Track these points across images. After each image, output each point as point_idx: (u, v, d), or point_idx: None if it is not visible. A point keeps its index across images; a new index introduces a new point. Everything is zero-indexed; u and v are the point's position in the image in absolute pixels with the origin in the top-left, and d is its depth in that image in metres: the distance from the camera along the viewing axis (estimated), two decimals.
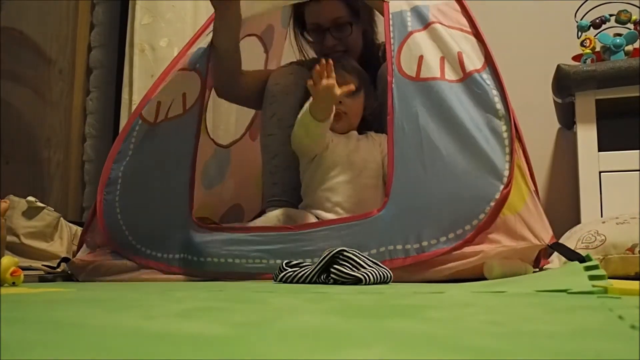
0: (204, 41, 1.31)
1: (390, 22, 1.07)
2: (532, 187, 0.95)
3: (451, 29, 1.04)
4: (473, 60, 1.00)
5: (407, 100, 0.99)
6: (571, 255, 0.86)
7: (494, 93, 0.95)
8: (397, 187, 0.94)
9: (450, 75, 0.99)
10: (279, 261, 0.90)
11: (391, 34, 1.06)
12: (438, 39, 1.03)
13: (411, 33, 1.05)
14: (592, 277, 0.63)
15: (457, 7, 1.07)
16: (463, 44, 1.02)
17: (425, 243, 0.90)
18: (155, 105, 1.22)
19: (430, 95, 0.98)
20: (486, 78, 0.97)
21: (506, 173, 0.90)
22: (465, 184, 0.91)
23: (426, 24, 1.05)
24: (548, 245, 0.89)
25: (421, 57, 1.02)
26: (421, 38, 1.04)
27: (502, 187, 0.89)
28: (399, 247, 0.91)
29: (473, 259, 0.87)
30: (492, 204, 0.88)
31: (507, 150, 0.92)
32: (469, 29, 1.04)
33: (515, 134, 0.93)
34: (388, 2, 1.10)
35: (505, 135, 0.93)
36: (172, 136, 1.16)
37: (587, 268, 0.71)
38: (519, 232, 0.88)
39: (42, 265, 1.22)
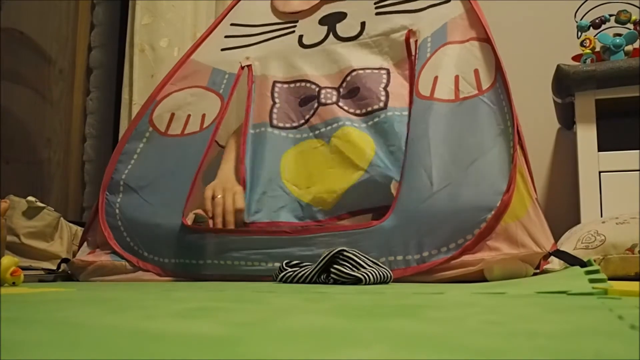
0: (215, 45, 1.32)
1: (417, 56, 1.12)
2: (534, 195, 0.95)
3: (466, 42, 1.08)
4: (486, 73, 1.02)
5: (420, 118, 1.02)
6: (572, 260, 0.86)
7: (504, 104, 0.96)
8: (402, 200, 0.94)
9: (464, 92, 1.02)
10: (277, 264, 0.91)
11: (415, 66, 1.11)
12: (454, 58, 1.06)
13: (430, 57, 1.09)
14: (592, 280, 0.63)
15: (472, 17, 1.09)
16: (477, 55, 1.05)
17: (426, 253, 0.90)
18: (168, 115, 1.23)
19: (442, 113, 1.00)
20: (499, 90, 0.98)
21: (508, 180, 0.90)
22: (469, 194, 0.91)
23: (443, 44, 1.09)
24: (549, 252, 0.89)
25: (436, 78, 1.05)
26: (437, 59, 1.08)
27: (503, 194, 0.89)
28: (400, 257, 0.91)
29: (473, 268, 0.87)
30: (493, 212, 0.88)
31: (510, 158, 0.92)
32: (481, 36, 1.06)
33: (518, 141, 0.93)
34: (417, 39, 1.15)
35: (510, 144, 0.93)
36: (185, 150, 1.18)
37: (588, 272, 0.71)
38: (519, 240, 0.88)
39: (43, 269, 1.22)
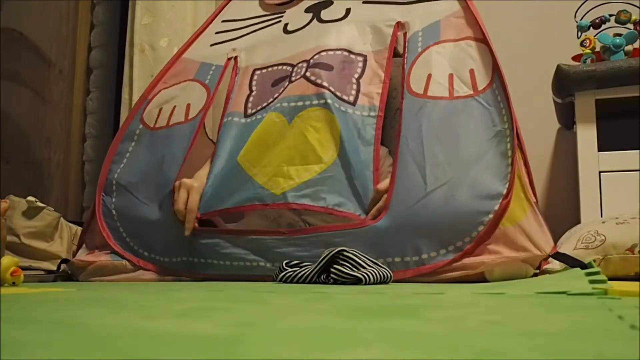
0: (206, 42, 1.32)
1: (407, 49, 1.11)
2: (533, 199, 0.94)
3: (461, 41, 1.06)
4: (483, 74, 1.01)
5: (413, 117, 1.00)
6: (573, 263, 0.86)
7: (501, 106, 0.96)
8: (396, 199, 0.94)
9: (459, 92, 1.00)
10: (277, 264, 0.91)
11: (405, 59, 1.09)
12: (447, 56, 1.05)
13: (421, 53, 1.08)
14: (592, 281, 0.63)
15: (467, 17, 1.09)
16: (473, 56, 1.04)
17: (424, 256, 0.90)
18: (157, 111, 1.23)
19: (435, 112, 0.99)
20: (497, 92, 0.97)
21: (506, 184, 0.90)
22: (464, 196, 0.90)
23: (436, 42, 1.08)
24: (549, 255, 0.89)
25: (429, 75, 1.04)
26: (430, 56, 1.06)
27: (501, 198, 0.89)
28: (398, 259, 0.91)
29: (473, 272, 0.87)
30: (491, 215, 0.88)
31: (509, 161, 0.91)
32: (478, 36, 1.05)
33: (517, 144, 0.93)
34: (406, 32, 1.13)
35: (508, 146, 0.93)
36: (170, 142, 1.17)
37: (588, 274, 0.71)
38: (519, 243, 0.88)
39: (43, 269, 1.22)
